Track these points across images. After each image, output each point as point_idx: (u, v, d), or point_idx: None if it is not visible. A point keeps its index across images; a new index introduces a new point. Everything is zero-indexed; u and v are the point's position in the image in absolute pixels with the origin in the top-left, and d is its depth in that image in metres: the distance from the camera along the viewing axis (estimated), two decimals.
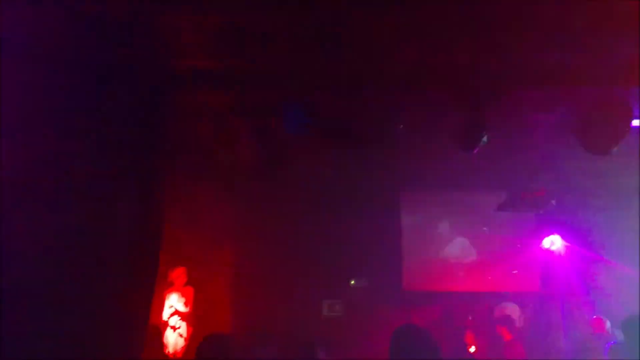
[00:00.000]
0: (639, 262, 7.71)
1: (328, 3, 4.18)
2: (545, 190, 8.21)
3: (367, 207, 8.64)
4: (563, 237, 9.04)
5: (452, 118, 5.93)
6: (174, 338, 7.62)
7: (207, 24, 4.53)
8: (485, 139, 5.80)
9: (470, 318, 8.72)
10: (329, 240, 8.59)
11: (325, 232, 8.58)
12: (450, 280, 9.12)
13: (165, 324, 7.61)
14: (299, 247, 8.58)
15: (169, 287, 7.86)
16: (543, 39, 4.63)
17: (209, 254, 8.40)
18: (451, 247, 9.24)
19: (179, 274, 7.93)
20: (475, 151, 5.83)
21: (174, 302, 7.78)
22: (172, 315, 7.68)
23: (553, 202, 8.40)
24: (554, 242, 9.10)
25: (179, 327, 7.65)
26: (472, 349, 8.22)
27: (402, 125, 5.97)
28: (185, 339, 7.65)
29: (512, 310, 8.68)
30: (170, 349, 7.50)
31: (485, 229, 9.12)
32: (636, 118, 5.55)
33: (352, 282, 9.24)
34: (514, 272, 9.03)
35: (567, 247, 9.04)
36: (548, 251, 9.13)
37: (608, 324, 7.16)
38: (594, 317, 7.50)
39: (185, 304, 7.80)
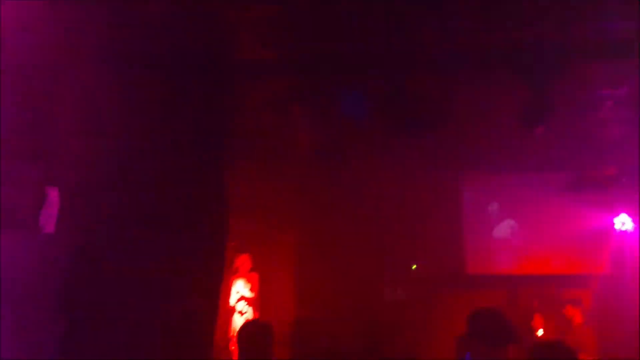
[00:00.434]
0: None
1: None
2: (615, 169, 7.92)
3: (427, 190, 8.57)
4: (634, 217, 8.72)
5: (514, 96, 5.80)
6: (241, 323, 7.83)
7: (265, 14, 4.61)
8: (549, 117, 5.66)
9: (537, 301, 8.54)
10: (390, 224, 8.58)
11: (387, 215, 8.58)
12: (513, 263, 8.96)
13: (233, 309, 7.84)
14: (360, 232, 8.62)
15: (235, 274, 8.07)
16: (609, 7, 4.46)
17: (272, 240, 8.56)
18: (500, 228, 9.09)
19: (243, 260, 8.12)
20: (539, 130, 5.70)
21: (240, 288, 7.99)
22: (238, 300, 7.90)
23: (623, 180, 8.09)
24: (624, 222, 8.78)
25: (245, 312, 7.87)
26: (540, 332, 8.07)
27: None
28: None
29: (582, 292, 8.45)
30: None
31: (551, 209, 8.89)
32: None
33: (414, 266, 9.21)
34: (583, 253, 8.78)
35: (638, 227, 8.71)
36: (618, 231, 8.82)
37: None
38: None
39: (251, 289, 8.00)
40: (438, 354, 7.50)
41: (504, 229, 9.10)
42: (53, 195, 3.82)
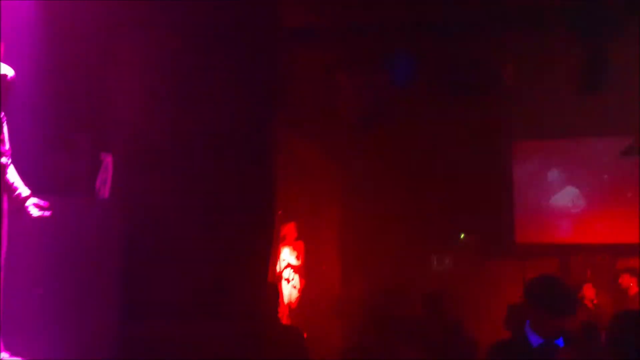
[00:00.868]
0: None
1: None
2: None
3: (477, 158, 8.41)
4: None
5: (569, 59, 5.60)
6: (289, 290, 7.96)
7: None
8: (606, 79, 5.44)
9: (590, 271, 8.35)
10: (438, 194, 8.48)
11: (435, 185, 8.48)
12: (566, 231, 8.76)
13: (280, 276, 7.95)
14: (407, 201, 8.55)
15: (282, 242, 8.16)
16: None
17: (318, 209, 8.58)
18: (560, 196, 8.86)
19: (290, 228, 8.21)
20: (597, 93, 5.49)
21: (286, 256, 8.09)
22: (285, 268, 8.01)
23: None
24: None
25: (292, 279, 7.98)
26: (592, 303, 7.89)
27: None
28: (299, 290, 7.99)
29: (638, 261, 8.20)
30: (285, 299, 7.84)
31: (605, 176, 8.61)
32: None
33: (462, 235, 9.10)
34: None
35: None
36: None
37: None
38: None
39: (297, 257, 8.10)
40: (486, 323, 7.44)
41: (565, 196, 8.88)
42: (107, 161, 3.90)
